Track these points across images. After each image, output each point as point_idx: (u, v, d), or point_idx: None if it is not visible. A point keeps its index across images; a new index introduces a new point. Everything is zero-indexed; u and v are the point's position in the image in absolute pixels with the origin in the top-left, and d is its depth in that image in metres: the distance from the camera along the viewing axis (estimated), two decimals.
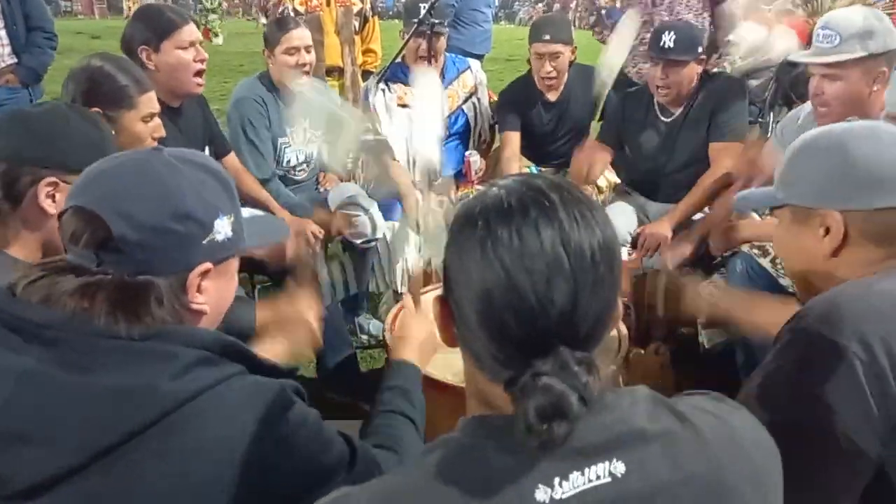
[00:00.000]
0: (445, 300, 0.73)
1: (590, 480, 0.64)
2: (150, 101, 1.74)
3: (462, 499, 0.64)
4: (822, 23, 1.98)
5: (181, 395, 0.78)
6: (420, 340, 1.29)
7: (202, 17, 12.04)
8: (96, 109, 1.66)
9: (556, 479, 0.63)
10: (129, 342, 0.79)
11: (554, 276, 0.64)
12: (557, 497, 0.63)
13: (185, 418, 0.78)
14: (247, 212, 1.04)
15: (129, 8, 9.94)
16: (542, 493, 0.63)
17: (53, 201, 1.20)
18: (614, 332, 1.69)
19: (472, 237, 0.67)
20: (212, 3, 11.75)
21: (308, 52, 2.60)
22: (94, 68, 1.71)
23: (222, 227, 0.88)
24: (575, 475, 0.64)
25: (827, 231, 1.06)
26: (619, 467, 0.65)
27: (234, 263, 0.95)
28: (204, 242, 0.86)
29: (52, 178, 1.19)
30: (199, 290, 0.87)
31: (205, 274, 0.87)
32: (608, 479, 0.64)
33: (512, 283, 0.64)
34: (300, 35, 2.57)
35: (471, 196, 0.73)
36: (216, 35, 11.53)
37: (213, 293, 0.90)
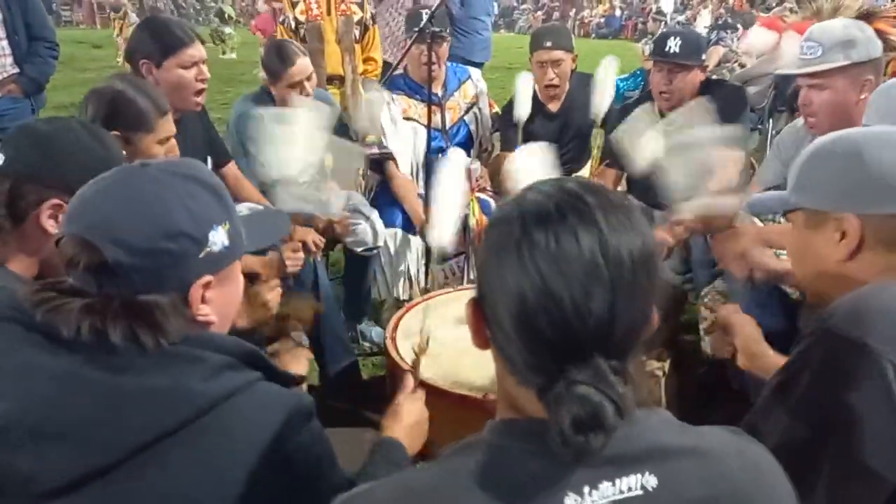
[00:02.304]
0: (478, 303, 0.72)
1: (620, 492, 0.63)
2: (167, 125, 1.76)
3: (485, 500, 0.63)
4: (806, 35, 2.01)
5: (212, 397, 0.80)
6: (412, 423, 1.25)
7: (217, 28, 11.90)
8: (115, 132, 1.67)
9: (586, 488, 0.63)
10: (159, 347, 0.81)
11: (591, 284, 0.63)
12: None
13: (216, 420, 0.80)
14: (245, 206, 1.04)
15: (120, 26, 9.50)
16: (571, 501, 0.63)
17: (56, 222, 1.18)
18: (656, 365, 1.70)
19: (509, 241, 0.66)
20: (227, 14, 11.60)
21: (309, 80, 2.60)
22: (115, 92, 1.72)
23: (218, 238, 0.88)
24: (605, 485, 0.63)
25: (843, 236, 1.05)
26: (651, 481, 0.64)
27: (237, 267, 0.95)
28: (201, 256, 0.86)
29: (57, 201, 1.17)
30: (203, 300, 0.88)
31: (207, 286, 0.88)
32: (639, 492, 0.63)
33: (548, 289, 0.63)
34: (301, 70, 2.56)
35: (506, 201, 0.73)
36: (232, 50, 11.43)
37: (219, 302, 0.90)
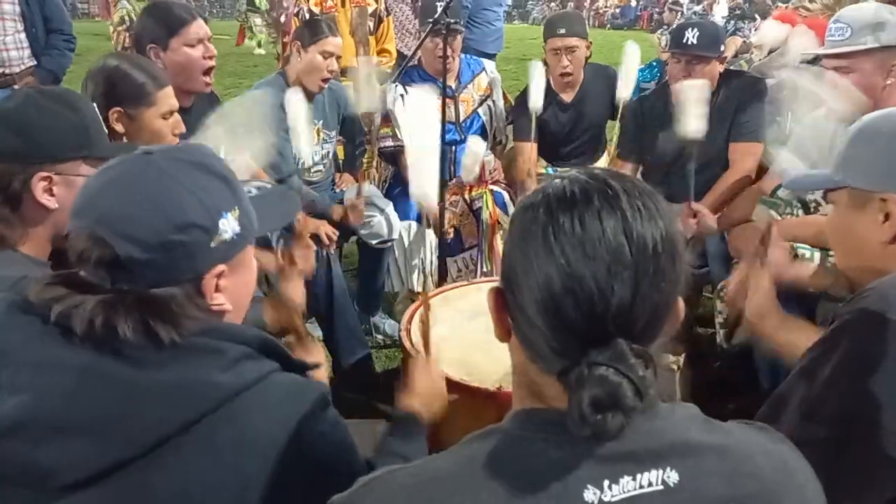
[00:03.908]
0: (501, 292, 0.72)
1: (641, 486, 0.63)
2: (168, 97, 1.74)
3: (506, 490, 0.63)
4: (835, 18, 1.98)
5: (232, 388, 0.81)
6: (424, 389, 1.26)
7: (244, 16, 11.69)
8: (117, 108, 1.67)
9: (606, 482, 0.63)
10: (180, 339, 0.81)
11: (615, 266, 0.63)
12: (607, 499, 0.62)
13: (235, 411, 0.80)
14: (254, 185, 1.03)
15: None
16: (590, 494, 0.63)
17: (52, 195, 1.19)
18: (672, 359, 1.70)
19: (535, 225, 0.67)
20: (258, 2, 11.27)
21: (337, 60, 2.62)
22: (110, 68, 1.71)
23: (228, 226, 0.86)
24: (626, 479, 0.63)
25: (886, 217, 1.03)
26: (673, 476, 0.64)
27: (249, 253, 0.94)
28: (212, 245, 0.85)
29: (44, 173, 1.17)
30: (217, 289, 0.87)
31: (220, 275, 0.87)
32: (660, 487, 0.63)
33: (574, 272, 0.64)
34: (336, 43, 2.60)
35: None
36: (259, 45, 11.28)
37: (233, 289, 0.90)
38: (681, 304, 0.70)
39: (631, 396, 0.61)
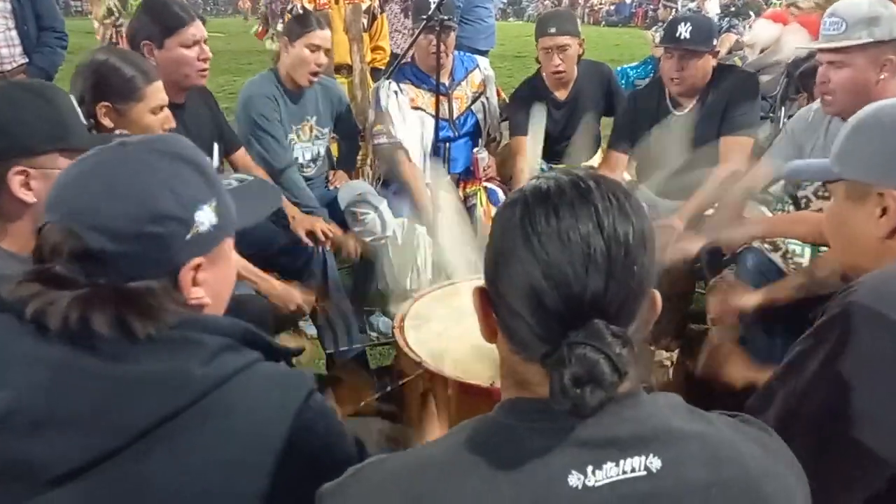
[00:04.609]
0: (485, 290, 0.74)
1: (624, 472, 0.65)
2: (157, 92, 1.73)
3: (491, 475, 0.65)
4: (830, 11, 1.99)
5: (212, 380, 0.80)
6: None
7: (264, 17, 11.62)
8: (106, 103, 1.66)
9: (590, 468, 0.64)
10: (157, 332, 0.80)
11: (588, 251, 0.66)
12: (590, 485, 0.64)
13: (216, 403, 0.79)
14: (234, 178, 1.02)
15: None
16: (574, 479, 0.64)
17: (29, 189, 1.18)
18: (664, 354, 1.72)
19: (513, 220, 0.70)
20: None
21: (326, 54, 2.62)
22: (99, 62, 1.70)
23: (205, 218, 0.85)
24: (609, 465, 0.65)
25: (883, 212, 1.02)
26: (655, 462, 0.65)
27: (229, 245, 0.92)
28: (188, 238, 0.83)
29: (20, 168, 1.16)
30: (195, 283, 0.86)
31: (197, 268, 0.85)
32: (643, 473, 0.65)
33: (550, 259, 0.67)
34: (324, 35, 2.59)
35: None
36: (273, 40, 11.23)
37: (212, 282, 0.88)
38: (657, 295, 0.72)
39: (609, 372, 0.64)
